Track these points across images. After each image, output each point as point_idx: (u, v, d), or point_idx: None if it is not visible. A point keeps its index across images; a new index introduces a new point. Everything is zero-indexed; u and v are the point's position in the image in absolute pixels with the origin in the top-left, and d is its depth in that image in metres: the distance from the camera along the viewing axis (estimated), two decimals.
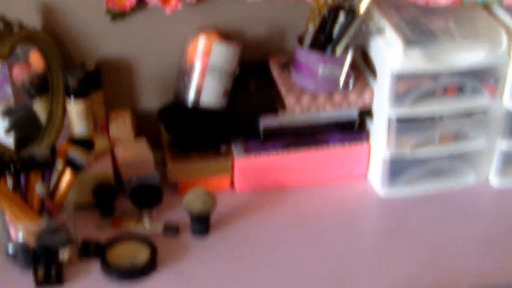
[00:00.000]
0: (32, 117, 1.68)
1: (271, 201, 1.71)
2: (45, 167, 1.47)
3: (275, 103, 1.68)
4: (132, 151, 1.67)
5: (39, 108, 1.68)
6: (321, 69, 1.65)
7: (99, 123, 1.72)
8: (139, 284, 1.47)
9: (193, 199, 1.57)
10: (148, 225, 1.60)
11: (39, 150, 1.44)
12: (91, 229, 1.60)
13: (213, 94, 1.67)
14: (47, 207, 1.47)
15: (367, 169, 1.78)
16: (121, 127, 1.72)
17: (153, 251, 1.52)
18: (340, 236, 1.62)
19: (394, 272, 1.51)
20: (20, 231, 1.47)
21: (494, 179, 1.79)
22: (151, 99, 1.79)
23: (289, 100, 1.66)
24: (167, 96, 1.75)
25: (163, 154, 1.73)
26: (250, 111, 1.69)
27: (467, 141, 1.74)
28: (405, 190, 1.75)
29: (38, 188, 1.44)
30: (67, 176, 1.48)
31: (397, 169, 1.72)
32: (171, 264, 1.52)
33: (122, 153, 1.66)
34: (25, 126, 1.69)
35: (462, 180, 1.78)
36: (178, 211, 1.64)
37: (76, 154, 1.47)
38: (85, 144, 1.50)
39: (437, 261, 1.55)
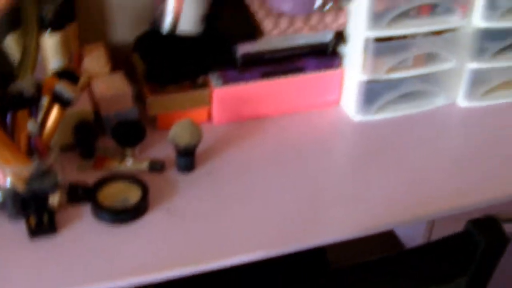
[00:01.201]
0: (2, 54, 1.58)
1: (249, 132, 1.68)
2: (32, 104, 1.38)
3: (253, 28, 1.63)
4: (109, 85, 1.60)
5: (11, 44, 1.57)
6: None
7: (73, 58, 1.63)
8: (133, 224, 1.42)
9: (180, 132, 1.52)
10: (132, 163, 1.54)
11: (24, 86, 1.34)
12: (73, 171, 1.53)
13: (191, 20, 1.60)
14: (36, 148, 1.39)
15: (341, 95, 1.76)
16: (96, 61, 1.64)
17: (145, 190, 1.46)
18: (319, 161, 1.62)
19: (371, 192, 1.53)
20: (9, 176, 1.38)
21: (462, 100, 1.81)
22: (126, 32, 1.73)
23: (267, 23, 1.62)
24: (142, 28, 1.68)
25: (139, 88, 1.66)
26: (228, 36, 1.63)
27: (438, 63, 1.75)
28: (378, 114, 1.75)
29: (30, 126, 1.35)
30: (54, 113, 1.40)
31: (371, 93, 1.71)
32: (161, 202, 1.47)
33: (99, 88, 1.58)
34: None
35: (432, 102, 1.80)
36: (159, 147, 1.60)
37: (64, 88, 1.39)
38: (70, 77, 1.42)
39: (412, 179, 1.57)
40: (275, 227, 1.43)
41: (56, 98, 1.39)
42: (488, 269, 1.17)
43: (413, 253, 1.16)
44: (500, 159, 1.64)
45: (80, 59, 1.66)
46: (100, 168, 1.54)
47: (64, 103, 1.39)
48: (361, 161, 1.63)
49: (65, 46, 1.58)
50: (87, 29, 1.68)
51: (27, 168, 1.38)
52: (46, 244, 1.38)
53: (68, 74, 1.44)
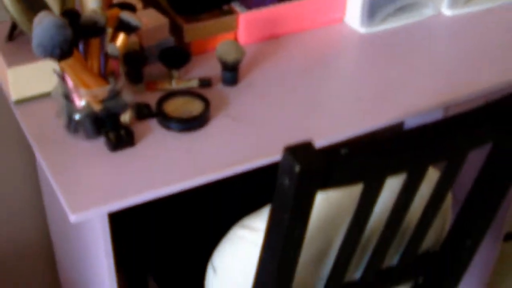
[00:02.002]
0: None
1: (272, 49, 1.87)
2: (103, 33, 1.52)
3: None
4: (147, 19, 1.74)
5: None
6: None
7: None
8: (200, 131, 1.59)
9: (227, 49, 1.69)
10: (182, 83, 1.70)
11: (97, 17, 1.48)
12: (131, 94, 1.68)
13: None
14: (113, 70, 1.54)
15: (345, 12, 1.97)
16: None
17: (206, 101, 1.63)
18: (337, 66, 1.85)
19: (373, 86, 1.78)
20: (84, 98, 1.52)
21: (447, 10, 2.04)
22: None
23: None
24: None
25: (170, 21, 1.81)
26: None
27: None
28: (380, 26, 1.96)
29: (112, 49, 1.50)
30: (121, 39, 1.54)
31: (373, 7, 1.92)
32: (218, 111, 1.65)
33: (140, 21, 1.73)
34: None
35: (422, 13, 2.02)
36: (198, 69, 1.77)
37: (129, 16, 1.54)
38: (127, 7, 1.58)
39: (417, 77, 1.81)
40: (310, 123, 1.65)
41: (122, 26, 1.54)
42: None
43: (471, 113, 1.33)
44: (483, 56, 1.90)
45: (109, 1, 1.77)
46: (153, 89, 1.69)
47: (130, 30, 1.54)
48: (369, 64, 1.86)
49: None
50: None
51: (104, 90, 1.53)
52: (127, 155, 1.53)
53: (125, 5, 1.59)
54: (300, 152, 1.10)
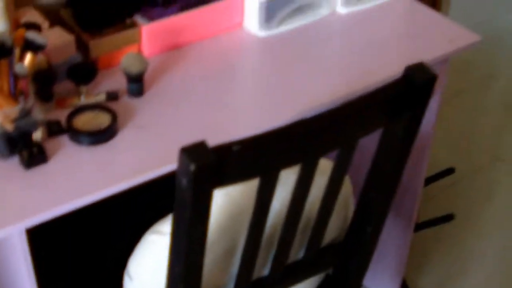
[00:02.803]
0: None
1: (176, 59, 1.95)
2: (11, 53, 1.58)
3: None
4: (53, 37, 1.81)
5: None
6: None
7: (12, 21, 1.82)
8: (109, 143, 1.67)
9: (130, 61, 1.77)
10: (90, 98, 1.76)
11: (4, 38, 1.55)
12: (42, 112, 1.74)
13: None
14: (23, 89, 1.60)
15: (243, 17, 2.06)
16: (34, 20, 1.84)
17: (114, 114, 1.70)
18: (237, 72, 1.95)
19: (274, 87, 1.88)
20: None
21: (340, 8, 2.15)
22: None
23: None
24: None
25: (76, 37, 1.88)
26: None
27: None
28: (278, 29, 2.05)
29: (20, 68, 1.57)
30: (28, 59, 1.60)
31: (270, 10, 2.01)
32: (126, 122, 1.72)
33: (47, 40, 1.79)
34: None
35: (318, 13, 2.12)
36: (105, 83, 1.85)
37: (35, 35, 1.61)
38: (32, 27, 1.65)
39: (316, 74, 1.92)
40: (215, 126, 1.74)
41: (29, 45, 1.60)
42: (424, 105, 1.47)
43: (359, 101, 1.42)
44: (376, 49, 2.02)
45: (16, 23, 1.84)
46: (63, 106, 1.75)
47: (36, 49, 1.61)
48: (273, 64, 1.96)
49: (7, 10, 1.78)
50: None
51: (14, 109, 1.59)
52: (40, 172, 1.59)
53: (30, 25, 1.66)
54: (194, 152, 1.19)
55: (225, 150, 1.20)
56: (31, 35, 1.60)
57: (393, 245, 2.40)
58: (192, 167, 1.17)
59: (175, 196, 1.26)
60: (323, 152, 1.38)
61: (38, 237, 1.67)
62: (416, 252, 2.71)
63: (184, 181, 1.20)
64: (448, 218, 2.82)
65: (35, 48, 1.61)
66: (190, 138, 1.65)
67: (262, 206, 1.35)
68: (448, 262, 2.80)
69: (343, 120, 1.34)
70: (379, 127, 1.48)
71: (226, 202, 1.47)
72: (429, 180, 2.89)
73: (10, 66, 1.58)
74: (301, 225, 1.50)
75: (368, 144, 1.63)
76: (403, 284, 2.54)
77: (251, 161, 1.25)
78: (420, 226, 2.77)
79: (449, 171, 2.98)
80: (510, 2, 4.36)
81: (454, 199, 3.05)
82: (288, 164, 1.32)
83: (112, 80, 1.85)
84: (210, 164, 1.19)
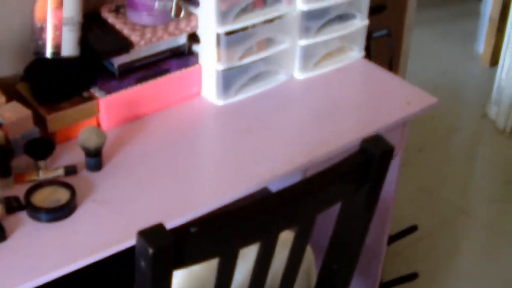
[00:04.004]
0: None
1: (134, 131, 1.95)
2: None
3: (123, 42, 1.90)
4: (10, 112, 1.80)
5: None
6: (157, 4, 1.90)
7: None
8: (68, 219, 1.66)
9: (87, 136, 1.76)
10: (48, 172, 1.75)
11: None
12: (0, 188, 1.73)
13: (72, 44, 1.85)
14: None
15: (201, 87, 2.06)
16: None
17: (72, 189, 1.69)
18: (195, 143, 1.94)
19: (233, 156, 1.89)
20: None
21: (298, 74, 2.16)
22: (5, 67, 1.94)
23: (135, 36, 1.89)
24: (22, 61, 1.91)
25: (33, 112, 1.87)
26: (104, 53, 1.89)
27: (276, 45, 2.09)
28: (236, 97, 2.06)
29: None
30: None
31: (228, 79, 2.03)
32: (84, 198, 1.71)
33: (4, 115, 1.79)
34: None
35: (275, 79, 2.13)
36: (63, 157, 1.84)
37: None
38: None
39: (275, 143, 1.93)
40: (174, 198, 1.74)
41: None
42: (382, 176, 1.49)
43: (318, 177, 1.43)
44: (334, 115, 2.03)
45: None
46: (22, 181, 1.74)
47: None
48: (232, 133, 1.97)
49: None
50: None
51: None
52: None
53: None
54: (152, 234, 1.18)
55: (183, 231, 1.20)
56: None
57: (368, 256, 2.39)
58: (151, 250, 1.16)
59: (135, 278, 1.25)
60: (282, 229, 1.37)
61: None
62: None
63: (142, 264, 1.19)
64: (412, 277, 2.83)
65: None
66: (149, 212, 1.68)
67: (223, 284, 1.34)
68: None
69: (302, 198, 1.34)
70: (339, 201, 1.49)
71: (188, 276, 1.46)
72: (393, 239, 2.89)
73: None
74: None
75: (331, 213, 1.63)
76: None
77: (209, 241, 1.25)
78: (384, 286, 2.76)
79: (412, 228, 2.98)
80: (463, 54, 4.44)
81: (419, 256, 3.05)
82: (247, 242, 1.32)
83: (71, 154, 1.84)
84: (168, 246, 1.18)
